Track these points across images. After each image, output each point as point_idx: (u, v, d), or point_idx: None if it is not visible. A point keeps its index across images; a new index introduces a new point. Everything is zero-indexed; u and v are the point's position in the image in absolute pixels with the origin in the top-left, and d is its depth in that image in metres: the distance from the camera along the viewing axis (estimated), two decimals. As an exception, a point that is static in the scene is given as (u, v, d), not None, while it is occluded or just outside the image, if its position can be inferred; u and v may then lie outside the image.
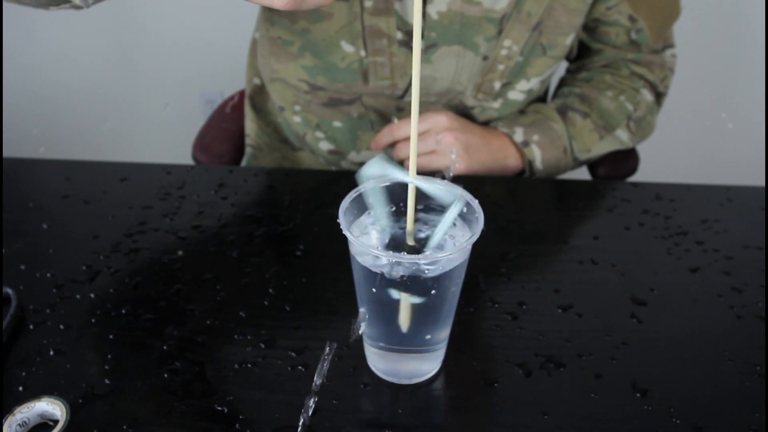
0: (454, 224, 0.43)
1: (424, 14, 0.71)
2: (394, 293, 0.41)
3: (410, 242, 0.42)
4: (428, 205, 0.44)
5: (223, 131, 0.96)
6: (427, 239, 0.43)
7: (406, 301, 0.42)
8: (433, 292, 0.41)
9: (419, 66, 0.37)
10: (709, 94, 1.63)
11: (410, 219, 0.42)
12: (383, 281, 0.40)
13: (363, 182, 0.42)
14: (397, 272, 0.40)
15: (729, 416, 0.44)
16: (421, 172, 0.41)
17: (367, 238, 0.43)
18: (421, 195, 0.43)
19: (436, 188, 0.41)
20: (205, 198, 0.66)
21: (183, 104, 1.71)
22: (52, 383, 0.46)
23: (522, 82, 0.79)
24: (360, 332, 0.42)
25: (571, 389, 0.46)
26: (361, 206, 0.43)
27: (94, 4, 0.56)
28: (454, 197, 0.41)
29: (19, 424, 0.42)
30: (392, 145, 0.78)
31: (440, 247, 0.42)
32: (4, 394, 0.45)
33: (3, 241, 0.59)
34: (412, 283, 0.40)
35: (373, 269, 0.40)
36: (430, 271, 0.40)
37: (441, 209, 0.43)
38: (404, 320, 0.43)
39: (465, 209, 0.42)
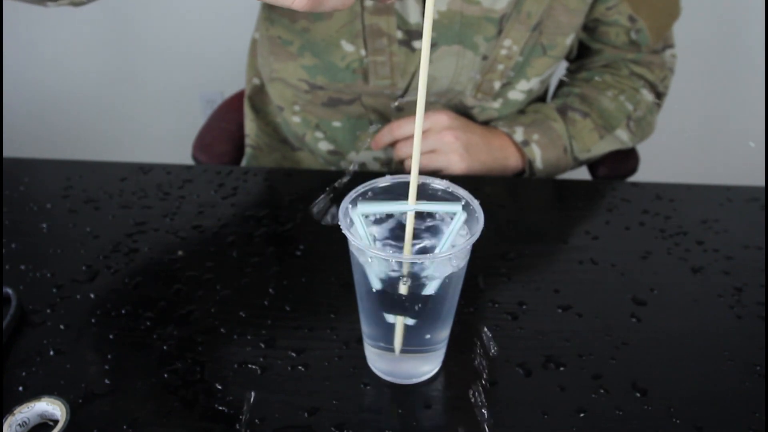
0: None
1: (424, 13, 0.71)
2: (390, 318, 0.41)
3: (405, 272, 0.42)
4: (428, 224, 0.44)
5: (223, 131, 0.96)
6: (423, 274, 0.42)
7: (401, 324, 0.42)
8: (432, 293, 0.41)
9: (426, 70, 0.36)
10: (709, 94, 1.63)
11: (407, 248, 0.41)
12: (383, 283, 0.40)
13: (359, 218, 0.41)
14: (395, 283, 0.40)
15: (729, 416, 0.44)
16: (420, 172, 0.41)
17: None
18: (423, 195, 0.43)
19: (437, 206, 0.41)
20: (205, 198, 0.66)
21: (183, 104, 1.71)
22: (52, 383, 0.46)
23: (522, 82, 0.79)
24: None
25: (571, 389, 0.46)
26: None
27: (91, 1, 0.56)
28: (456, 210, 0.40)
29: (19, 424, 0.42)
30: (392, 144, 0.78)
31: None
32: (4, 394, 0.45)
33: (3, 241, 0.59)
34: (413, 283, 0.40)
35: (372, 277, 0.40)
36: (431, 273, 0.40)
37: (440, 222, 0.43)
38: (398, 344, 0.43)
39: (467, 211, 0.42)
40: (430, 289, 0.40)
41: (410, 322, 0.42)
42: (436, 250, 0.42)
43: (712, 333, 0.51)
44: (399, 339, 0.43)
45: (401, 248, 0.42)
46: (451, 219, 0.43)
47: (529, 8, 0.71)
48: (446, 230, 0.43)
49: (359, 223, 0.40)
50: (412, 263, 0.40)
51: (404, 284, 0.40)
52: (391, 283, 0.40)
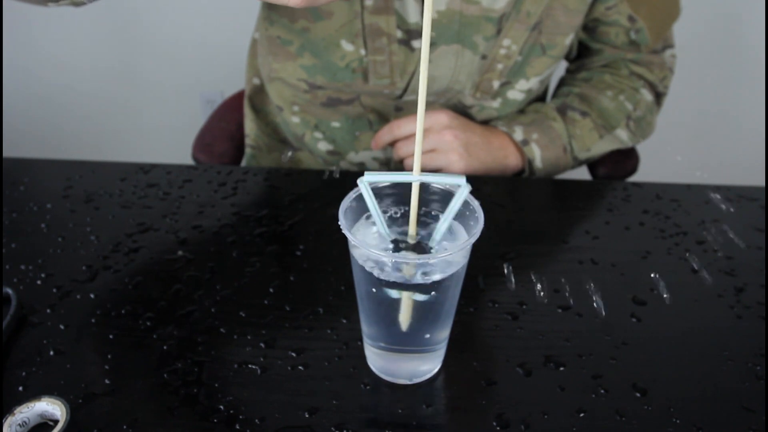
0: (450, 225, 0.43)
1: (423, 13, 0.71)
2: (394, 293, 0.41)
3: (411, 241, 0.42)
4: (429, 210, 0.44)
5: (223, 131, 0.96)
6: (426, 242, 0.43)
7: (408, 299, 0.42)
8: (432, 293, 0.41)
9: (427, 66, 0.37)
10: (708, 94, 1.63)
11: (413, 219, 0.42)
12: (383, 282, 0.40)
13: (365, 186, 0.41)
14: (397, 278, 0.40)
15: (729, 416, 0.44)
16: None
17: (368, 237, 0.43)
18: (423, 199, 0.43)
19: (440, 178, 0.41)
20: (205, 198, 0.66)
21: (183, 104, 1.71)
22: (52, 383, 0.46)
23: (521, 81, 0.79)
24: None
25: (571, 389, 0.46)
26: (362, 206, 0.43)
27: (92, 1, 0.56)
28: (460, 183, 0.41)
29: (19, 424, 0.42)
30: (392, 143, 0.78)
31: (446, 238, 0.42)
32: (4, 394, 0.45)
33: (3, 241, 0.59)
34: (412, 284, 0.40)
35: (374, 273, 0.40)
36: (431, 272, 0.40)
37: (441, 212, 0.43)
38: (405, 318, 0.43)
39: (467, 211, 0.42)
40: (451, 284, 0.41)
41: (420, 297, 0.42)
42: (438, 225, 0.42)
43: (712, 333, 0.51)
44: (406, 313, 0.43)
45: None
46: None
47: (528, 8, 0.71)
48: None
49: (367, 194, 0.40)
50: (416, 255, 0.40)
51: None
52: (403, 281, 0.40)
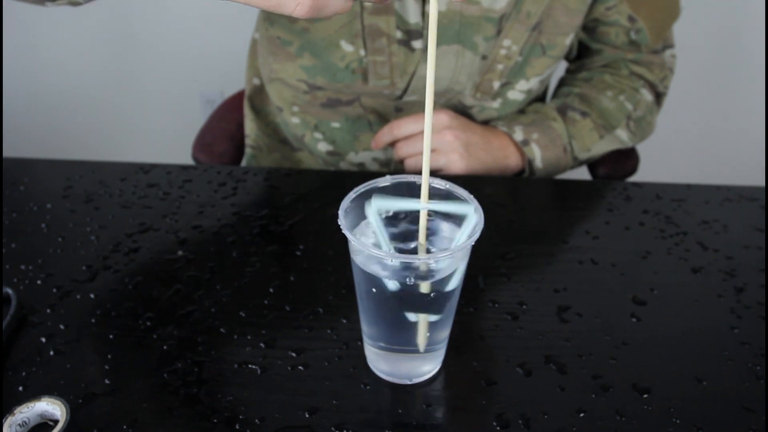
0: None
1: (423, 13, 0.71)
2: (413, 316, 0.41)
3: (422, 268, 0.42)
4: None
5: (223, 131, 0.96)
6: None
7: (425, 322, 0.42)
8: (432, 294, 0.41)
9: (433, 70, 0.37)
10: (709, 94, 1.63)
11: (422, 242, 0.42)
12: (384, 285, 0.40)
13: (372, 211, 0.42)
14: (400, 277, 0.40)
15: (729, 416, 0.44)
16: (419, 171, 0.41)
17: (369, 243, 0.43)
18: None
19: (449, 206, 0.41)
20: (205, 198, 0.66)
21: (183, 104, 1.71)
22: (52, 383, 0.46)
23: (521, 81, 0.79)
24: None
25: (571, 389, 0.46)
26: (362, 206, 0.43)
27: (89, 0, 0.56)
28: (468, 212, 0.41)
29: (19, 424, 0.42)
30: (392, 144, 0.78)
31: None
32: (4, 394, 0.45)
33: (3, 241, 0.59)
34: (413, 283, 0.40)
35: (376, 274, 0.40)
36: (432, 272, 0.40)
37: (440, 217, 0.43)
38: (422, 342, 0.43)
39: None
40: (451, 285, 0.41)
41: (433, 318, 0.42)
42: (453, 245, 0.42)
43: (712, 333, 0.51)
44: (423, 336, 0.43)
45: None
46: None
47: (528, 8, 0.71)
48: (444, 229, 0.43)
49: (376, 221, 0.40)
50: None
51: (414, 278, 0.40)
52: (404, 282, 0.40)
